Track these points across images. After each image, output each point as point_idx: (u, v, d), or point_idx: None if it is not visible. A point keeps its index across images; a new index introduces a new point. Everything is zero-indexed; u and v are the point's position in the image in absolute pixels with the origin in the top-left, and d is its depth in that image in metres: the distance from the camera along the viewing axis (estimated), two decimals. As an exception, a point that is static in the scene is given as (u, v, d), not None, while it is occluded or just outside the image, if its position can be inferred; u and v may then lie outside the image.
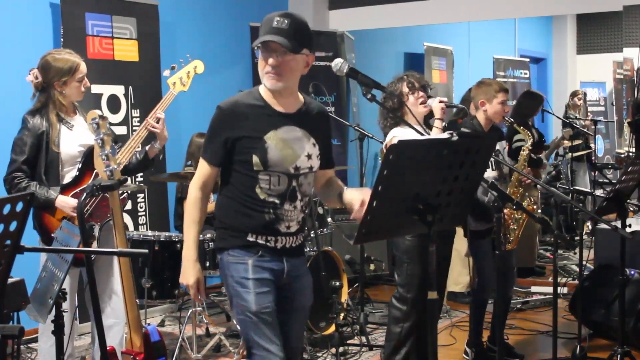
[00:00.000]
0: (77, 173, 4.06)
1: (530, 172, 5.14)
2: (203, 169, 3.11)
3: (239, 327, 3.11)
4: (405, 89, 4.43)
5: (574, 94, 10.38)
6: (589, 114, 10.72)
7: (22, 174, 3.99)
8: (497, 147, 4.96)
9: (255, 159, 3.01)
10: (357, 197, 2.97)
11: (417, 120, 4.35)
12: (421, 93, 4.45)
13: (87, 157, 4.00)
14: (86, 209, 4.01)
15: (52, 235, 3.84)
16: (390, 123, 4.42)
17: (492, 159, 4.71)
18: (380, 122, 4.50)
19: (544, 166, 5.52)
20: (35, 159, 4.01)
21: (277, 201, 3.05)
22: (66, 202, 3.97)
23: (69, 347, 3.94)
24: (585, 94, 10.62)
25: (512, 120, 4.97)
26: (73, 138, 4.09)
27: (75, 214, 3.84)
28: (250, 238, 3.05)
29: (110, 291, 4.20)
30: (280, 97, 3.08)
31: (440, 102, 4.40)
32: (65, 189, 4.02)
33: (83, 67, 4.11)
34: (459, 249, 6.61)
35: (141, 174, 6.10)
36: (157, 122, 4.26)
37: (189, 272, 3.10)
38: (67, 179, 4.07)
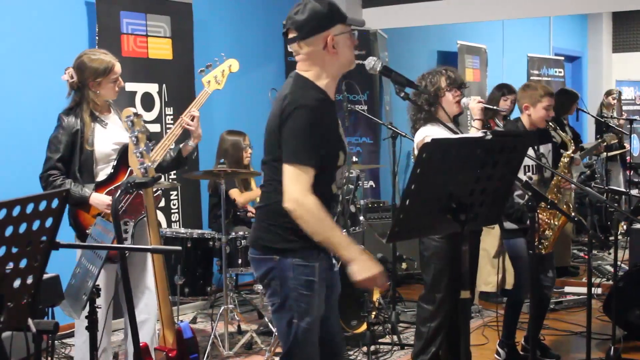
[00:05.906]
0: (112, 170, 4.10)
1: (572, 177, 5.06)
2: (308, 176, 2.78)
3: (276, 329, 3.03)
4: (444, 84, 4.40)
5: (608, 93, 10.28)
6: (623, 112, 10.60)
7: (57, 171, 4.02)
8: (542, 150, 4.90)
9: (341, 154, 2.93)
10: None
11: (449, 118, 4.34)
12: (458, 91, 4.42)
13: (122, 154, 4.02)
14: (120, 205, 4.04)
15: (87, 231, 3.87)
16: (421, 118, 4.38)
17: (533, 163, 4.66)
18: (411, 115, 4.45)
19: (576, 162, 5.47)
20: (69, 157, 4.05)
21: (339, 193, 3.01)
22: (100, 200, 4.00)
23: (103, 342, 3.97)
24: (620, 93, 10.52)
25: (554, 125, 4.88)
26: (107, 136, 4.12)
27: (109, 211, 3.87)
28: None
29: (144, 287, 4.23)
30: (334, 85, 2.99)
31: (479, 102, 4.39)
32: (99, 187, 4.05)
33: (118, 68, 4.14)
34: (488, 249, 6.57)
35: (174, 171, 6.13)
36: (192, 120, 4.29)
37: (370, 264, 2.80)
38: (102, 176, 4.10)
